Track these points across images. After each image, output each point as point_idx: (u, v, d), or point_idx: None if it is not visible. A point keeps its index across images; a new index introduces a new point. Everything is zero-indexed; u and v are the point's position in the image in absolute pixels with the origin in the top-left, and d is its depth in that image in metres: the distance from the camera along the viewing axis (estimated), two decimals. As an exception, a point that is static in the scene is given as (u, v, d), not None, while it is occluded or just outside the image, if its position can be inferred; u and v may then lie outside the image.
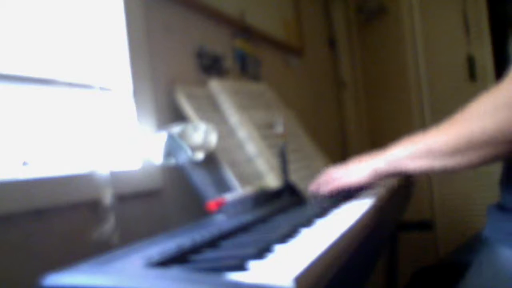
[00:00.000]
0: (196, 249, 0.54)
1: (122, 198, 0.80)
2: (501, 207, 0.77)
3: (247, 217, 0.74)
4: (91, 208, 0.75)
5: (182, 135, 0.84)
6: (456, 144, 0.69)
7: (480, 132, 0.66)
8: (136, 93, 0.90)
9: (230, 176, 0.90)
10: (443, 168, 0.73)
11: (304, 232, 0.62)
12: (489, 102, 0.66)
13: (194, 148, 0.84)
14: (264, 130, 1.07)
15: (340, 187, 0.88)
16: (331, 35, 2.37)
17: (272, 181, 0.99)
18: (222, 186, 0.88)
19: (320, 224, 0.68)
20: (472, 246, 0.91)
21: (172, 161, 0.84)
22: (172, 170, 0.91)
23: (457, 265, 0.90)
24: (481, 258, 0.77)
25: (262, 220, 0.74)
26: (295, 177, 1.00)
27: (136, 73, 0.91)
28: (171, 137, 0.83)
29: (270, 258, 0.48)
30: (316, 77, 2.12)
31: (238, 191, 0.88)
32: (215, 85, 1.06)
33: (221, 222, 0.74)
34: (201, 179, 0.84)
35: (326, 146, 1.57)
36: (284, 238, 0.57)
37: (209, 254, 0.52)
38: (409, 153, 0.77)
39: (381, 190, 0.93)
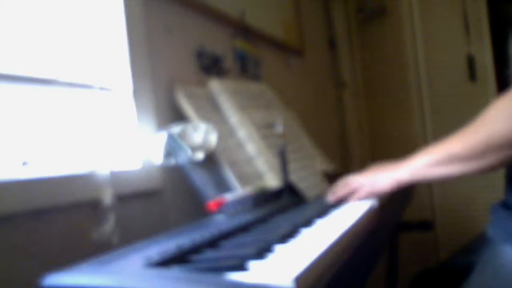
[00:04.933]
0: (196, 249, 0.54)
1: (122, 198, 0.80)
2: (505, 206, 0.77)
3: (247, 217, 0.74)
4: (91, 208, 0.75)
5: (182, 135, 0.84)
6: (475, 149, 0.71)
7: (498, 135, 0.67)
8: (136, 93, 0.90)
9: (230, 176, 0.90)
10: (463, 173, 0.75)
11: (304, 232, 0.62)
12: (506, 105, 0.68)
13: (194, 148, 0.84)
14: (264, 130, 1.07)
15: (364, 197, 0.88)
16: (331, 35, 2.37)
17: (272, 181, 0.99)
18: (222, 186, 0.88)
19: (320, 224, 0.68)
20: (475, 246, 0.92)
21: (172, 161, 0.84)
22: (172, 170, 0.91)
23: (460, 265, 0.90)
24: (484, 257, 0.77)
25: (262, 220, 0.74)
26: (295, 177, 1.00)
27: (136, 73, 0.91)
28: (171, 137, 0.83)
29: (270, 258, 0.48)
30: (316, 77, 2.12)
31: (238, 191, 0.88)
32: (215, 85, 1.06)
33: (221, 222, 0.74)
34: (201, 179, 0.84)
35: (326, 146, 1.57)
36: (284, 238, 0.57)
37: (209, 254, 0.52)
38: (430, 161, 0.78)
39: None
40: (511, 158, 0.69)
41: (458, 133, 0.75)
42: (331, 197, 0.91)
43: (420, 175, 0.81)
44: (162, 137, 0.84)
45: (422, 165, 0.80)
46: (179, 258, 0.50)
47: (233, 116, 1.04)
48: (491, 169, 0.72)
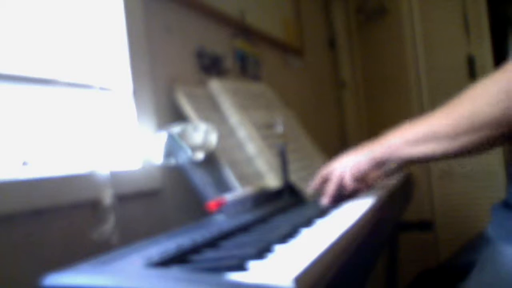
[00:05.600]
0: (196, 249, 0.54)
1: (122, 198, 0.80)
2: (506, 205, 0.76)
3: (247, 217, 0.74)
4: (91, 208, 0.75)
5: (182, 135, 0.84)
6: (459, 125, 0.68)
7: (482, 113, 0.65)
8: (136, 93, 0.90)
9: (230, 176, 0.90)
10: (445, 153, 0.71)
11: (304, 232, 0.62)
12: (491, 85, 0.66)
13: (194, 148, 0.84)
14: (264, 130, 1.07)
15: (351, 183, 0.83)
16: (331, 35, 2.37)
17: (272, 181, 0.99)
18: (222, 186, 0.88)
19: (320, 224, 0.68)
20: (475, 245, 0.91)
21: (172, 161, 0.84)
22: (172, 170, 0.91)
23: (461, 265, 0.90)
24: (485, 256, 0.76)
25: (262, 220, 0.74)
26: (295, 177, 1.00)
27: (136, 73, 0.91)
28: (171, 137, 0.83)
29: (270, 258, 0.48)
30: (316, 77, 2.12)
31: (238, 191, 0.88)
32: (215, 85, 1.06)
33: (221, 222, 0.74)
34: (201, 179, 0.84)
35: (326, 146, 1.57)
36: (284, 238, 0.57)
37: (209, 254, 0.52)
38: (410, 138, 0.74)
39: (381, 190, 0.93)
40: (493, 138, 0.66)
41: (440, 110, 0.71)
42: (325, 200, 0.87)
43: (397, 152, 0.76)
44: (162, 137, 0.84)
45: (401, 143, 0.75)
46: (179, 258, 0.50)
47: (233, 116, 1.04)
48: (475, 149, 0.68)
